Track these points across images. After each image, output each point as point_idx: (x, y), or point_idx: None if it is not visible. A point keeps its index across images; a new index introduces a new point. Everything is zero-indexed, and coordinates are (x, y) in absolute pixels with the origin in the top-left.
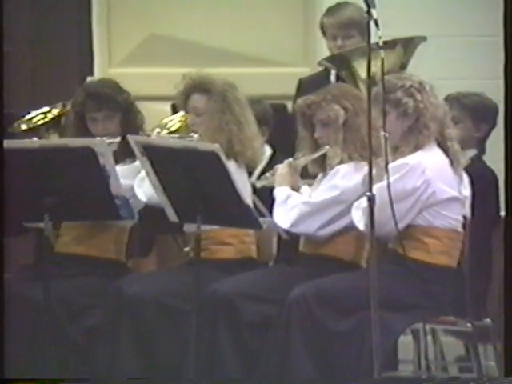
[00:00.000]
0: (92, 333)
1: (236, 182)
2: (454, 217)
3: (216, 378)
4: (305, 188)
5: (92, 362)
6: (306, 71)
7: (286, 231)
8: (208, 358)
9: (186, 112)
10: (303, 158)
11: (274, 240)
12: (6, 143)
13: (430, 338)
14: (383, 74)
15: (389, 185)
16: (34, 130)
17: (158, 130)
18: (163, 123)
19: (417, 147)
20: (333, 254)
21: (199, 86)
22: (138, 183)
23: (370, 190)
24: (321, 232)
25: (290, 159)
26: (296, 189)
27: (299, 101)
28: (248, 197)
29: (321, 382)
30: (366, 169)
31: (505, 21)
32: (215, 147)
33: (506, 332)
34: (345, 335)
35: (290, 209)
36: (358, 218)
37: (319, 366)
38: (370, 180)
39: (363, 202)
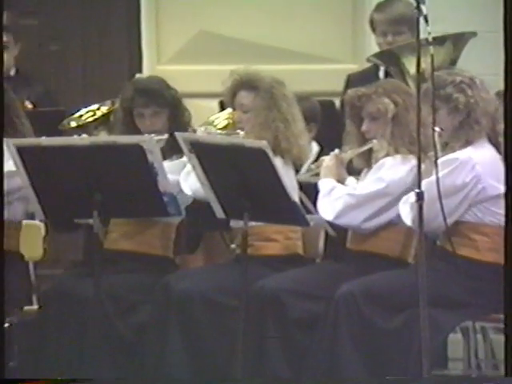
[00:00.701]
0: (141, 329)
1: (283, 179)
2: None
3: (263, 374)
4: (350, 180)
5: (140, 358)
6: (354, 68)
7: (333, 227)
8: (255, 354)
9: (234, 109)
10: (350, 151)
11: (321, 237)
12: (58, 140)
13: (479, 336)
14: (433, 70)
15: (438, 180)
16: (83, 128)
17: (205, 126)
18: (210, 120)
19: (467, 143)
20: (380, 251)
21: (246, 83)
22: (183, 177)
23: (419, 186)
24: (366, 225)
25: (337, 150)
26: (341, 181)
27: (350, 92)
28: (295, 193)
29: (369, 379)
30: (412, 162)
31: (505, 17)
32: (263, 144)
33: (506, 332)
34: (393, 333)
35: (334, 200)
36: (406, 213)
37: (367, 363)
38: (419, 177)
39: (411, 197)
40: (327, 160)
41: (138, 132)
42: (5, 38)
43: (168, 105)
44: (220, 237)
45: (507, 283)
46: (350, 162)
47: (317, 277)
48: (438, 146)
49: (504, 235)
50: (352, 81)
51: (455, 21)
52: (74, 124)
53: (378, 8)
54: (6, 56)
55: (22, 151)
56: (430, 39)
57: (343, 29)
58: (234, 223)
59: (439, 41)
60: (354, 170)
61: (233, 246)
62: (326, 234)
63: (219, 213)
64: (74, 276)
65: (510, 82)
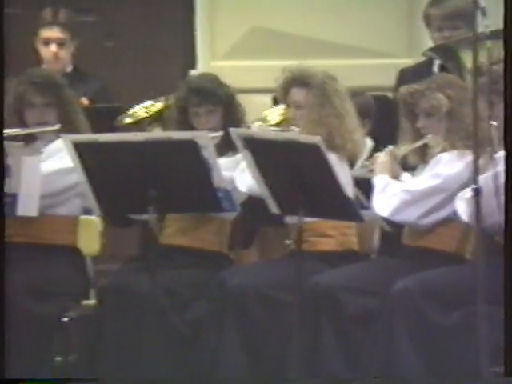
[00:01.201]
0: (196, 324)
1: (337, 175)
2: None
3: (318, 370)
4: (406, 176)
5: (196, 353)
6: (408, 62)
7: (388, 222)
8: (310, 350)
9: (287, 105)
10: (404, 147)
11: (376, 232)
12: (113, 136)
13: None
14: (490, 64)
15: (495, 175)
16: (137, 124)
17: (259, 122)
18: (264, 116)
19: None
20: (436, 247)
21: (299, 80)
22: (238, 174)
23: (476, 182)
24: (422, 221)
25: (391, 147)
26: (396, 177)
27: (402, 89)
28: (349, 189)
29: (425, 376)
30: (468, 157)
31: (505, 17)
32: (317, 139)
33: (505, 332)
34: (451, 330)
35: (389, 197)
36: (463, 209)
37: (424, 360)
38: (476, 172)
39: (467, 193)
40: (381, 156)
41: (192, 129)
42: (62, 35)
43: (222, 102)
44: (274, 232)
45: (507, 283)
46: (405, 158)
47: (372, 273)
48: (495, 141)
49: (505, 234)
50: (405, 76)
51: None
52: (128, 120)
53: (434, 3)
54: (62, 53)
55: (78, 147)
56: (488, 33)
57: (398, 23)
58: (288, 219)
59: (496, 34)
60: (409, 167)
61: (287, 241)
62: (381, 229)
63: (274, 208)
64: (130, 271)
65: (509, 81)
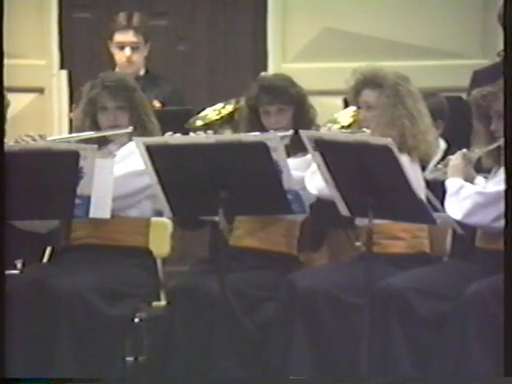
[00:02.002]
0: (266, 326)
1: (409, 176)
2: None
3: (388, 373)
4: (479, 179)
5: (266, 355)
6: (483, 63)
7: (461, 225)
8: (380, 352)
9: (358, 107)
10: (478, 150)
11: (449, 235)
12: (184, 138)
13: None
14: None
15: None
16: (208, 126)
17: (329, 124)
18: (335, 118)
19: None
20: None
21: (370, 81)
22: (308, 177)
23: None
24: (496, 224)
25: (464, 150)
26: (470, 180)
27: (474, 92)
28: (421, 191)
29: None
30: None
31: (505, 17)
32: (388, 141)
33: (505, 332)
34: None
35: (462, 199)
36: None
37: (496, 364)
38: None
39: None
40: (454, 159)
41: (263, 129)
42: (136, 39)
43: (293, 102)
44: (344, 234)
45: (507, 282)
46: (479, 161)
47: (444, 276)
48: None
49: (504, 234)
50: (478, 77)
51: None
52: (199, 123)
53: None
54: (136, 56)
55: (150, 149)
56: None
57: (472, 23)
58: (358, 221)
59: None
60: (482, 170)
61: (358, 243)
62: (454, 231)
63: (344, 210)
64: (199, 273)
65: (509, 81)
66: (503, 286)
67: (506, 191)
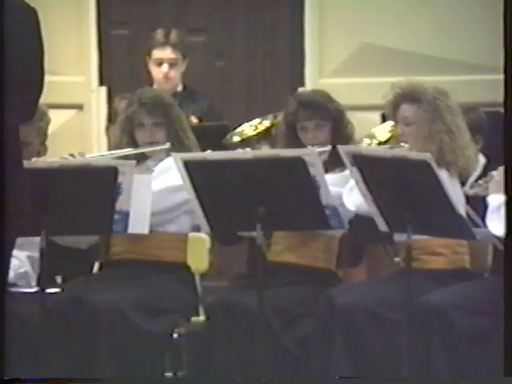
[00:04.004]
0: (305, 342)
1: (448, 192)
2: None
3: None
4: None
5: (305, 370)
6: None
7: (502, 241)
8: (420, 368)
9: (396, 122)
10: None
11: (490, 251)
12: (222, 154)
13: None
14: None
15: None
16: (245, 142)
17: (367, 139)
18: (372, 133)
19: None
20: None
21: (409, 96)
22: (346, 193)
23: None
24: None
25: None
26: None
27: None
28: (461, 206)
29: None
30: None
31: (505, 17)
32: (427, 156)
33: (505, 332)
34: None
35: (504, 215)
36: None
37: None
38: None
39: None
40: (496, 175)
41: (300, 145)
42: (174, 55)
43: (331, 117)
44: (383, 250)
45: (507, 283)
46: None
47: (485, 292)
48: None
49: (505, 233)
50: None
51: None
52: (236, 138)
53: None
54: (173, 72)
55: (188, 165)
56: None
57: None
58: (397, 236)
59: None
60: None
61: (396, 259)
62: (495, 247)
63: (382, 226)
64: (238, 288)
65: (510, 81)
66: None
67: (506, 189)
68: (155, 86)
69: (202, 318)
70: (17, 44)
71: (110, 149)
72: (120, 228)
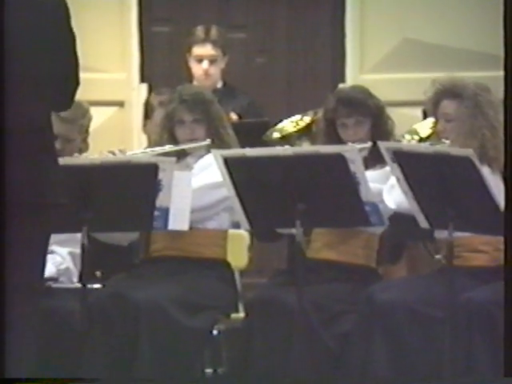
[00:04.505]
0: (344, 339)
1: (490, 188)
2: None
3: None
4: None
5: (345, 367)
6: None
7: None
8: (462, 366)
9: (436, 118)
10: None
11: None
12: (262, 151)
13: None
14: None
15: None
16: (285, 139)
17: (408, 136)
18: (413, 129)
19: None
20: None
21: (450, 91)
22: (387, 190)
23: None
24: None
25: None
26: None
27: None
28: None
29: None
30: None
31: (504, 17)
32: (469, 152)
33: (505, 332)
34: None
35: None
36: None
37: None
38: None
39: None
40: None
41: (340, 142)
42: (214, 52)
43: (371, 114)
44: (423, 247)
45: (507, 283)
46: None
47: None
48: None
49: (504, 233)
50: None
51: None
52: (277, 135)
53: None
54: (213, 69)
55: (228, 162)
56: None
57: None
58: (438, 233)
59: None
60: None
61: (437, 256)
62: None
63: (423, 223)
64: (277, 285)
65: (510, 81)
66: None
67: (506, 191)
68: (195, 82)
69: (241, 314)
70: (44, 34)
71: (148, 145)
72: (160, 224)
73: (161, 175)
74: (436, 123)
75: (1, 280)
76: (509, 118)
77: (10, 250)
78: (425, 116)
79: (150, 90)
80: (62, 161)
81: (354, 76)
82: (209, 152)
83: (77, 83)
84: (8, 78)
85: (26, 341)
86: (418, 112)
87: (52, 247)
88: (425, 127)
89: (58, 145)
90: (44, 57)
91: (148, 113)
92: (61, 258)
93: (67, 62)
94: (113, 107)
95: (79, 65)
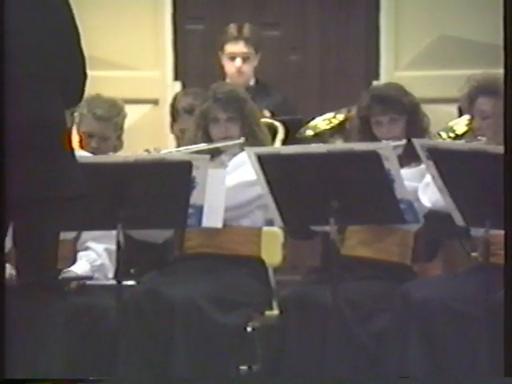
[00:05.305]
0: (379, 337)
1: None
2: None
3: None
4: None
5: (380, 365)
6: None
7: None
8: (498, 364)
9: (472, 115)
10: None
11: None
12: (295, 148)
13: None
14: None
15: None
16: (319, 136)
17: (443, 133)
18: (449, 126)
19: None
20: None
21: (486, 88)
22: (422, 188)
23: None
24: None
25: None
26: None
27: None
28: None
29: None
30: None
31: (504, 17)
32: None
33: (505, 332)
34: None
35: None
36: None
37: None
38: None
39: None
40: None
41: (374, 139)
42: (247, 50)
43: (406, 111)
44: (459, 245)
45: (507, 283)
46: None
47: None
48: None
49: (504, 233)
50: None
51: None
52: (310, 132)
53: None
54: (246, 67)
55: (261, 159)
56: None
57: None
58: (474, 231)
59: None
60: None
61: (473, 254)
62: None
63: (459, 220)
64: (311, 282)
65: (510, 81)
66: None
67: (505, 193)
68: (228, 80)
69: (275, 311)
70: (49, 31)
71: (176, 146)
72: (194, 222)
73: (195, 173)
74: (472, 120)
75: (1, 279)
76: (509, 117)
77: (21, 248)
78: (460, 113)
79: (184, 88)
80: (96, 159)
81: (388, 73)
82: (243, 150)
83: (85, 77)
84: (17, 75)
85: (45, 340)
86: (453, 109)
87: (87, 243)
88: (460, 124)
89: (93, 143)
90: (50, 53)
91: (173, 115)
92: (96, 254)
93: (73, 57)
94: (147, 105)
95: (85, 58)
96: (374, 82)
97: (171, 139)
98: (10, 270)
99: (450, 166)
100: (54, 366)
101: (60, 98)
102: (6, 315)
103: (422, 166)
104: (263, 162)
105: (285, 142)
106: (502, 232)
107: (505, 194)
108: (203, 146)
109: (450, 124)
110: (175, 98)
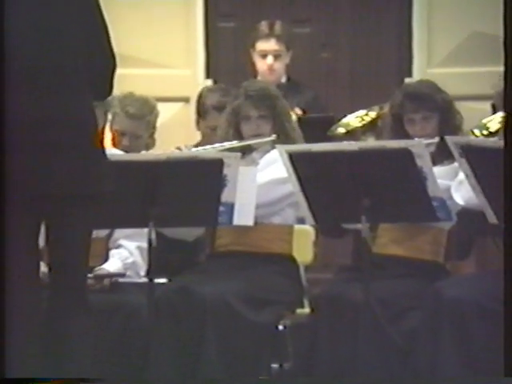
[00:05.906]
0: (412, 335)
1: None
2: None
3: None
4: None
5: (413, 364)
6: None
7: None
8: None
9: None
10: None
11: None
12: (327, 146)
13: None
14: None
15: None
16: (350, 134)
17: (477, 130)
18: (482, 124)
19: None
20: None
21: None
22: (455, 186)
23: None
24: None
25: None
26: None
27: None
28: None
29: None
30: None
31: (505, 17)
32: None
33: (505, 332)
34: None
35: None
36: None
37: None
38: None
39: None
40: None
41: (407, 137)
42: (278, 47)
43: (438, 108)
44: (493, 243)
45: (507, 282)
46: None
47: None
48: None
49: (504, 233)
50: None
51: None
52: (342, 130)
53: None
54: (278, 64)
55: (293, 157)
56: None
57: None
58: None
59: None
60: None
61: None
62: None
63: (492, 218)
64: (343, 280)
65: (510, 81)
66: None
67: (505, 190)
68: (259, 77)
69: (306, 310)
70: (75, 24)
71: (202, 143)
72: (225, 220)
73: (226, 171)
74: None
75: (1, 280)
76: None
77: (53, 245)
78: (494, 110)
79: None
80: (128, 157)
81: (420, 70)
82: (274, 147)
83: (113, 67)
84: (45, 72)
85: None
86: (486, 106)
87: (119, 241)
88: (494, 122)
89: (125, 141)
90: (78, 48)
91: (200, 112)
92: (128, 252)
93: (100, 47)
94: (178, 103)
95: (113, 48)
96: (407, 80)
97: (201, 137)
98: (43, 268)
99: (483, 163)
100: (84, 364)
101: (89, 95)
102: (18, 313)
103: (455, 164)
104: (294, 159)
105: (316, 140)
106: None
107: (505, 190)
108: (234, 143)
109: (484, 121)
110: (201, 95)
